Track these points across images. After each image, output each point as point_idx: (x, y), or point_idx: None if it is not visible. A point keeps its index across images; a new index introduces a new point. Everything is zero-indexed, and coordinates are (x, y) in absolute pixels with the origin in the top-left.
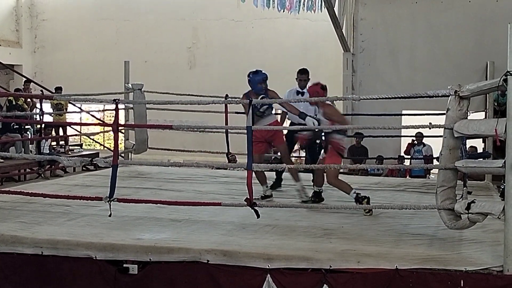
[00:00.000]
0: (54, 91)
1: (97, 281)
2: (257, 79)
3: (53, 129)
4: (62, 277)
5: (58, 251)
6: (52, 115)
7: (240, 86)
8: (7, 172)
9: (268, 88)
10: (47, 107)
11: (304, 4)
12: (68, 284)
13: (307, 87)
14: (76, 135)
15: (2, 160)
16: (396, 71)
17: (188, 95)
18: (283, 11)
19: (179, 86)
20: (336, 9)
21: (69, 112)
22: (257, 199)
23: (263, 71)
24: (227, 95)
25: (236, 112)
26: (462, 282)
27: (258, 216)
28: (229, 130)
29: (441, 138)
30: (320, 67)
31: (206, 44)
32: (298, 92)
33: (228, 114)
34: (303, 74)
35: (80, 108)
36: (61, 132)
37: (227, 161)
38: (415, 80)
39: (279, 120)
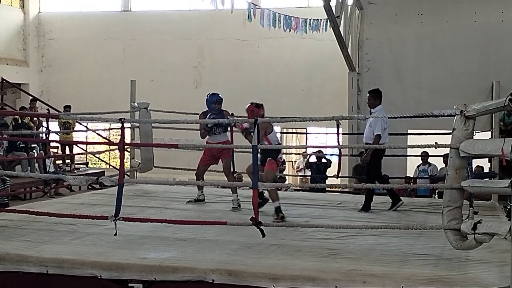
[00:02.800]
0: (63, 110)
1: None
2: (212, 100)
3: (60, 147)
4: None
5: (63, 270)
6: (60, 133)
7: (245, 105)
8: (13, 190)
9: (222, 108)
10: (54, 125)
11: (309, 24)
12: None
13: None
14: (82, 153)
15: (8, 179)
16: (402, 90)
17: (194, 114)
18: (289, 30)
19: (185, 105)
20: (341, 28)
21: (75, 131)
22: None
23: (219, 94)
24: (232, 114)
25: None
26: None
27: (263, 235)
28: (234, 149)
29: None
30: (326, 86)
31: (212, 63)
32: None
33: (234, 133)
34: None
35: (86, 126)
36: (68, 151)
37: None
38: (421, 100)
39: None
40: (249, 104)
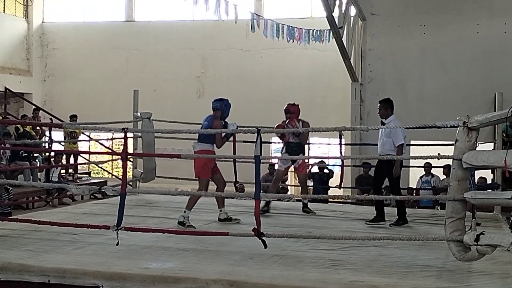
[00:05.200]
0: (69, 119)
1: None
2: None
3: (65, 157)
4: None
5: (65, 279)
6: (65, 143)
7: (248, 115)
8: (16, 200)
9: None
10: (58, 135)
11: (312, 35)
12: None
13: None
14: (84, 163)
15: (11, 188)
16: (405, 101)
17: (197, 123)
18: (292, 41)
19: (188, 115)
20: (344, 39)
21: (79, 141)
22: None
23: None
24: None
25: (244, 141)
26: None
27: (265, 246)
28: (237, 159)
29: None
30: (328, 96)
31: (215, 73)
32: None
33: (236, 143)
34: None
35: (89, 136)
36: (72, 161)
37: (234, 190)
38: (424, 111)
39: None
40: (293, 104)
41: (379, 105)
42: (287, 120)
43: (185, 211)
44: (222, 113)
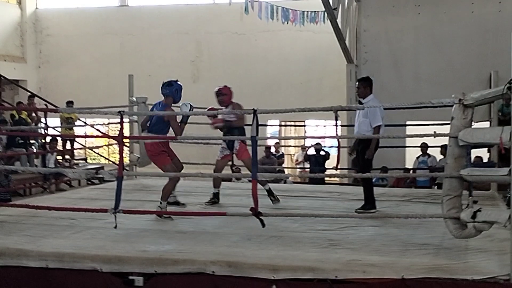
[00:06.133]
0: (66, 105)
1: None
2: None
3: (62, 143)
4: None
5: (63, 264)
6: (61, 129)
7: (244, 98)
8: (13, 187)
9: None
10: (53, 121)
11: (307, 16)
12: None
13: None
14: (80, 148)
15: (10, 175)
16: (400, 82)
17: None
18: (287, 23)
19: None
20: (339, 21)
21: (75, 126)
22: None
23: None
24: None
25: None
26: None
27: (263, 225)
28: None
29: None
30: (324, 78)
31: (210, 57)
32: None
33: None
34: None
35: (84, 122)
36: (68, 146)
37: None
38: (419, 91)
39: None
40: (223, 87)
41: (357, 83)
42: (219, 103)
43: (161, 203)
44: (173, 98)
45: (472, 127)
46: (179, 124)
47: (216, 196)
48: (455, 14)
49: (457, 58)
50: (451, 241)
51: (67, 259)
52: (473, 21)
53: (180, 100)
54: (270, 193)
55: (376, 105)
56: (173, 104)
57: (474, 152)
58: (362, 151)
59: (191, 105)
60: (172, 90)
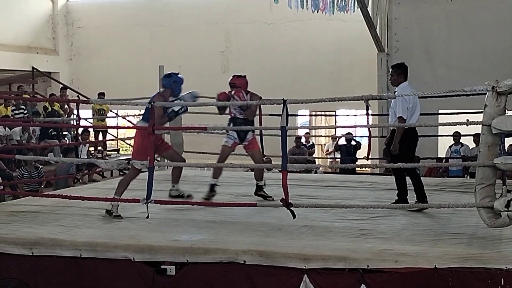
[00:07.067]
0: (97, 97)
1: (135, 282)
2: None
3: (94, 134)
4: (101, 279)
5: (96, 253)
6: (94, 119)
7: (273, 88)
8: (46, 177)
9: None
10: (86, 113)
11: (337, 5)
12: (107, 285)
13: None
14: (112, 139)
15: (41, 166)
16: (432, 70)
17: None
18: (317, 11)
19: (213, 90)
20: (369, 9)
21: (107, 117)
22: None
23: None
24: (260, 97)
25: (270, 114)
26: (502, 280)
27: (294, 216)
28: (263, 132)
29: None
30: (354, 67)
31: (239, 47)
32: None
33: (262, 116)
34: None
35: (116, 113)
36: (101, 138)
37: None
38: (451, 79)
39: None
40: (239, 75)
41: (391, 70)
42: (233, 92)
43: (113, 197)
44: (171, 90)
45: (506, 114)
46: (162, 116)
47: (212, 188)
48: (488, 0)
49: (489, 45)
50: (485, 231)
51: (100, 248)
52: (506, 8)
53: (179, 93)
54: (259, 189)
55: (406, 93)
56: (173, 97)
57: (508, 141)
58: (389, 144)
59: (195, 96)
60: (170, 81)
